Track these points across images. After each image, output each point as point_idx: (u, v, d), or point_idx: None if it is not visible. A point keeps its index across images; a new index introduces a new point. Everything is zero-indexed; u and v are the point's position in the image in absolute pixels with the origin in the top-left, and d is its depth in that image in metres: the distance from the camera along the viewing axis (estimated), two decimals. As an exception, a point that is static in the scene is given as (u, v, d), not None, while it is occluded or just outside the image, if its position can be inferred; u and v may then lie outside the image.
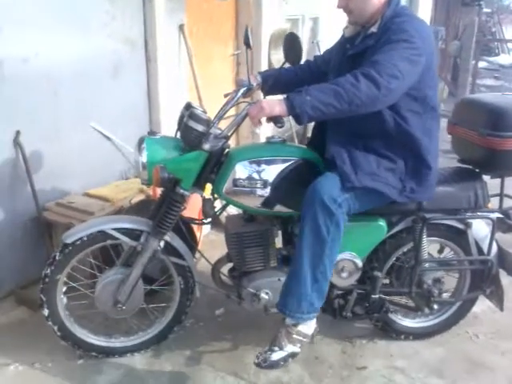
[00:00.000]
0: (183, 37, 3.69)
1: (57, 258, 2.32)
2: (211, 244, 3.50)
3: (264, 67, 4.64)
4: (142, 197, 3.13)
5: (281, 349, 2.20)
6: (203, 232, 3.56)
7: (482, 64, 13.88)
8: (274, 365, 2.20)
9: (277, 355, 2.20)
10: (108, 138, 3.36)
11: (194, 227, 2.70)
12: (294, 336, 2.21)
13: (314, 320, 2.25)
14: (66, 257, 2.33)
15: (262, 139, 2.55)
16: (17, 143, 2.81)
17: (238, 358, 2.56)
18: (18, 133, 2.80)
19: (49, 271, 2.33)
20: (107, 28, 3.21)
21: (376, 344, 2.69)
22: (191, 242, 2.55)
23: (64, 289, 2.41)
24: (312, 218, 2.10)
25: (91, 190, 3.18)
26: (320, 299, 2.19)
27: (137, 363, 2.50)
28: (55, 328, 2.41)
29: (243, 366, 2.50)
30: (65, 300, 2.43)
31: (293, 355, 2.22)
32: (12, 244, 2.90)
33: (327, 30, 5.51)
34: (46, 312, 2.38)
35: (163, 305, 2.57)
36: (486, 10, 13.60)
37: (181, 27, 3.67)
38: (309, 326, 2.23)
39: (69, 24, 2.98)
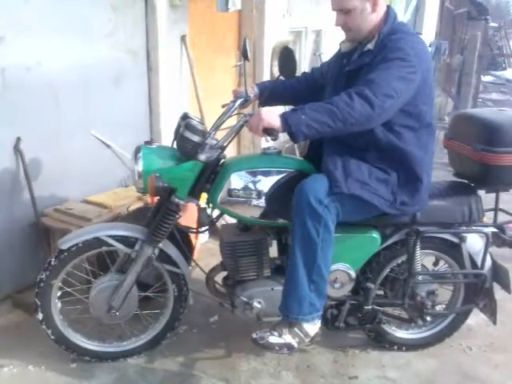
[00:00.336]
0: (185, 47, 3.74)
1: (52, 263, 2.36)
2: (209, 252, 3.52)
3: (266, 79, 4.68)
4: (140, 204, 3.17)
5: (279, 336, 2.24)
6: (201, 240, 3.58)
7: (488, 78, 13.88)
8: (268, 346, 2.24)
9: (274, 339, 2.24)
10: (108, 146, 3.40)
11: (191, 236, 2.73)
12: (296, 330, 2.24)
13: (319, 322, 2.28)
14: (61, 262, 2.36)
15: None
16: (17, 150, 2.86)
17: (230, 365, 2.57)
18: (18, 139, 2.85)
19: (44, 276, 2.37)
20: (109, 37, 3.27)
21: (369, 354, 2.69)
22: (186, 250, 2.57)
23: (59, 294, 2.44)
24: (301, 221, 2.13)
25: (90, 196, 3.21)
26: (320, 299, 2.22)
27: (129, 368, 2.52)
28: (49, 332, 2.44)
29: (235, 374, 2.51)
30: (59, 304, 2.46)
31: (289, 347, 2.24)
32: (10, 248, 2.94)
33: (330, 42, 5.54)
34: (40, 316, 2.41)
35: (157, 311, 2.59)
36: (493, 24, 13.64)
37: (183, 38, 3.72)
38: (312, 326, 2.25)
39: (71, 32, 3.04)
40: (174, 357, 2.61)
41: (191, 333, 2.81)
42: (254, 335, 2.27)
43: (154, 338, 2.58)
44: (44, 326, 2.43)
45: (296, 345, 2.25)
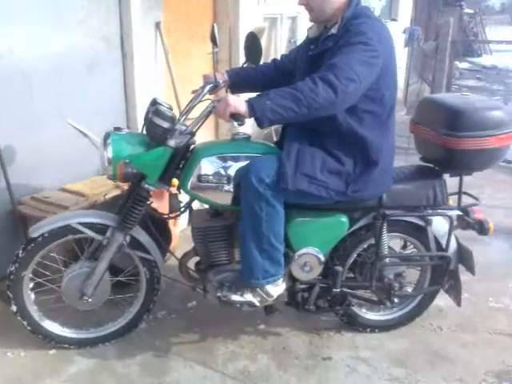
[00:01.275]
0: (160, 34, 3.73)
1: (20, 255, 2.37)
2: (187, 239, 3.52)
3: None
4: (117, 192, 3.18)
5: (241, 295, 2.39)
6: (180, 227, 3.61)
7: (464, 65, 14.04)
8: (230, 303, 2.40)
9: (236, 297, 2.39)
10: (84, 135, 3.39)
11: (170, 224, 2.74)
12: (258, 290, 2.36)
13: (281, 286, 2.39)
14: (29, 253, 2.37)
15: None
16: (-9, 138, 2.85)
17: (208, 349, 2.62)
18: (-8, 127, 2.84)
19: (13, 268, 2.38)
20: (82, 24, 3.24)
21: (342, 336, 2.76)
22: (160, 238, 2.58)
23: (31, 285, 2.46)
24: (245, 198, 2.24)
25: (67, 185, 3.21)
26: (274, 265, 2.32)
27: (108, 353, 2.55)
28: (25, 323, 2.47)
29: (212, 357, 2.56)
30: (32, 296, 2.47)
31: (250, 304, 2.39)
32: (-13, 237, 2.94)
33: (305, 29, 5.57)
34: (14, 308, 2.44)
35: (131, 295, 2.61)
36: (468, 10, 13.77)
37: (157, 25, 3.71)
38: (274, 288, 2.36)
39: (43, 19, 3.01)
40: (152, 341, 2.65)
41: (169, 318, 2.86)
42: (220, 293, 2.41)
43: (131, 321, 2.60)
44: (19, 318, 2.46)
45: (258, 304, 2.39)
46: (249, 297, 2.38)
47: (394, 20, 7.86)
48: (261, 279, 2.31)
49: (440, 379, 2.47)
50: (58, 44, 3.12)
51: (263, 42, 5.04)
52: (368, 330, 2.78)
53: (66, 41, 3.17)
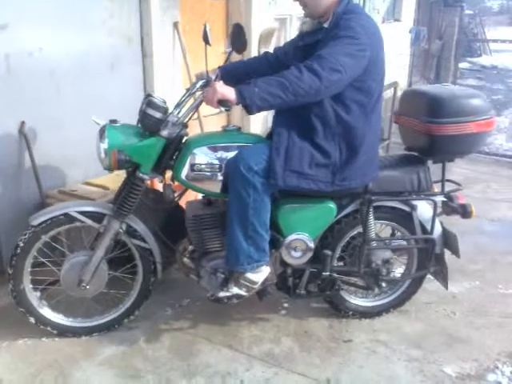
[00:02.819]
0: (177, 34, 3.86)
1: (12, 263, 2.49)
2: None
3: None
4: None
5: (227, 290, 2.48)
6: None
7: (464, 65, 14.21)
8: (218, 300, 2.51)
9: (223, 293, 2.49)
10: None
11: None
12: (241, 281, 2.45)
13: (263, 271, 2.46)
14: (28, 243, 2.48)
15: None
16: (22, 133, 2.97)
17: (233, 333, 2.74)
18: (22, 123, 2.96)
19: (10, 285, 2.50)
20: (106, 24, 3.39)
21: (361, 320, 2.88)
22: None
23: (31, 286, 2.55)
24: (233, 185, 2.33)
25: (91, 179, 3.33)
26: (259, 252, 2.40)
27: (138, 338, 2.67)
28: (49, 329, 2.61)
29: (238, 340, 2.68)
30: (38, 294, 2.59)
31: (238, 297, 2.49)
32: (17, 229, 3.03)
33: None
34: (32, 320, 2.59)
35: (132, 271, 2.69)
36: (468, 11, 13.93)
37: (175, 24, 3.84)
38: (256, 275, 2.45)
39: (71, 20, 3.16)
40: (178, 327, 2.77)
41: (194, 305, 2.97)
42: (208, 294, 2.53)
43: (140, 294, 2.68)
44: (42, 327, 2.59)
45: (245, 293, 2.49)
46: (234, 290, 2.47)
47: (398, 20, 7.99)
48: (245, 265, 2.39)
49: (456, 359, 2.58)
50: (83, 43, 3.26)
51: (274, 42, 5.18)
52: (357, 315, 2.87)
53: (90, 40, 3.31)
